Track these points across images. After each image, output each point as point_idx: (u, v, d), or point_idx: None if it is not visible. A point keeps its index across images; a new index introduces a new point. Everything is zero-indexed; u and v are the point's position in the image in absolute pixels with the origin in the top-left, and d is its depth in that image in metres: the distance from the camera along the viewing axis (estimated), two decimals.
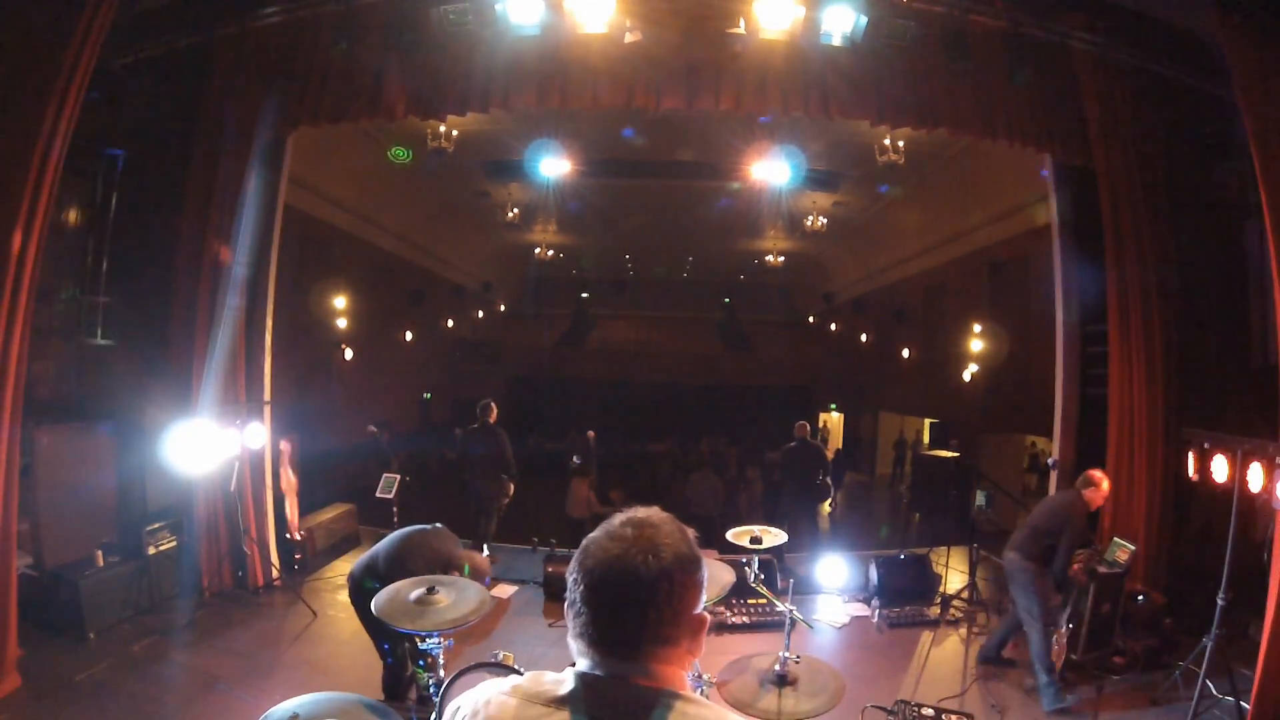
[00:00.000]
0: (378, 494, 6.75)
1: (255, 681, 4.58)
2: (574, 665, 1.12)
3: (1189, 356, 5.99)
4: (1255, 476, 4.18)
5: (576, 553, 1.12)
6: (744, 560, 4.00)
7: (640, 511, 1.15)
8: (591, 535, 1.13)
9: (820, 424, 21.37)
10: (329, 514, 7.62)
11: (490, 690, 1.13)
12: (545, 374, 22.15)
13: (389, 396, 15.56)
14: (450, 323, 19.59)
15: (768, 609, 5.67)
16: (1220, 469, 4.46)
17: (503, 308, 23.31)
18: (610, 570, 1.07)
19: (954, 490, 7.66)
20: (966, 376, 13.39)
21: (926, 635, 5.64)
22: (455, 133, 9.41)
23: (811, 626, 4.38)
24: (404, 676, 4.00)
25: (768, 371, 22.96)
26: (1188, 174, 6.15)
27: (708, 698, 3.12)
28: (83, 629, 4.96)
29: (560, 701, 1.07)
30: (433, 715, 3.05)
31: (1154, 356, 5.87)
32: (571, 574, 1.11)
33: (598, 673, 1.08)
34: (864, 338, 19.51)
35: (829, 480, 8.67)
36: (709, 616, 1.16)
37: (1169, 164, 6.01)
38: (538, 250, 17.69)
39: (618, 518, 1.14)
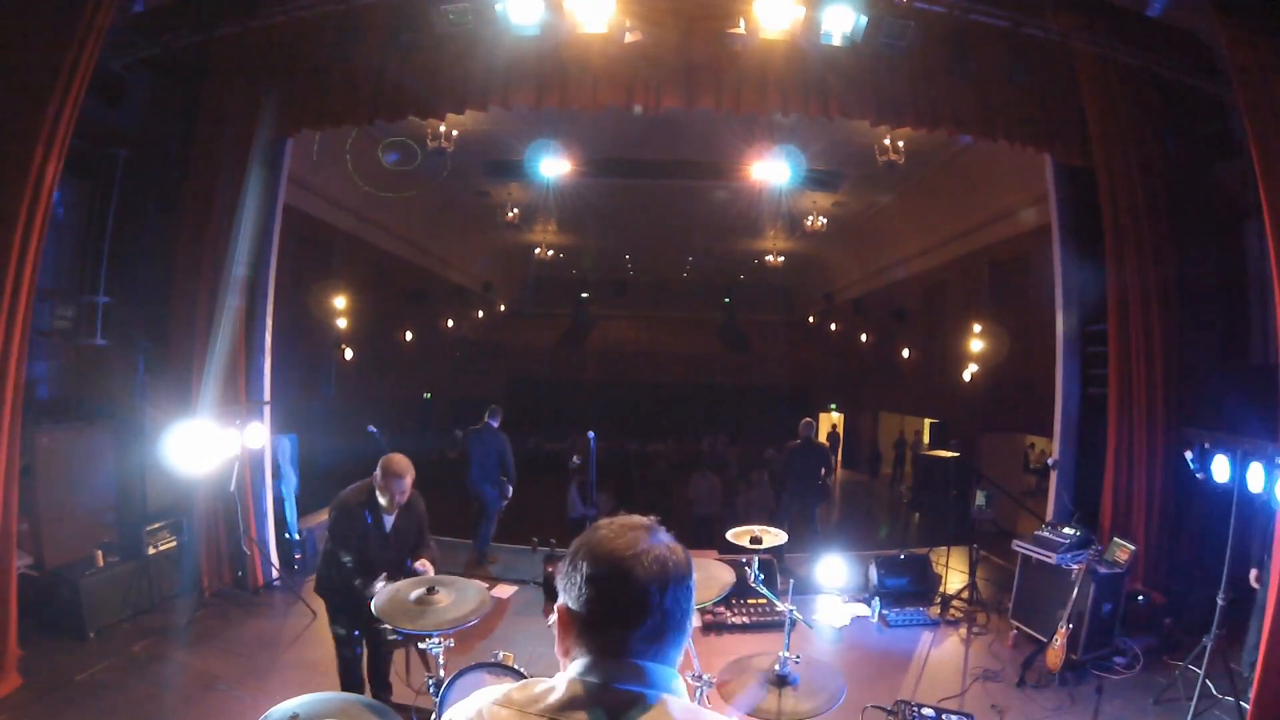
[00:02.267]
0: None
1: (255, 681, 4.58)
2: (564, 671, 1.08)
3: (1189, 356, 5.99)
4: (1255, 476, 4.18)
5: (581, 552, 1.08)
6: (744, 560, 4.00)
7: (632, 517, 1.13)
8: (599, 535, 1.09)
9: (832, 426, 21.32)
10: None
11: (482, 701, 1.09)
12: (545, 374, 22.15)
13: (389, 396, 15.54)
14: (450, 323, 19.58)
15: (768, 609, 5.67)
16: (1220, 469, 4.46)
17: (503, 308, 23.31)
18: (634, 572, 1.04)
19: (954, 490, 7.63)
20: (966, 376, 13.37)
21: (926, 635, 5.64)
22: (455, 133, 9.41)
23: (811, 626, 4.37)
24: (358, 667, 4.02)
25: (768, 371, 22.97)
26: (1188, 174, 6.15)
27: (708, 698, 3.13)
28: (83, 629, 4.95)
29: (555, 710, 1.03)
30: (433, 716, 3.06)
31: (1154, 356, 5.87)
32: (581, 574, 1.06)
33: (592, 679, 1.04)
34: (864, 338, 19.51)
35: (829, 481, 8.64)
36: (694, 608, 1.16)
37: (1169, 164, 6.01)
38: (538, 250, 17.69)
39: (618, 520, 1.11)
